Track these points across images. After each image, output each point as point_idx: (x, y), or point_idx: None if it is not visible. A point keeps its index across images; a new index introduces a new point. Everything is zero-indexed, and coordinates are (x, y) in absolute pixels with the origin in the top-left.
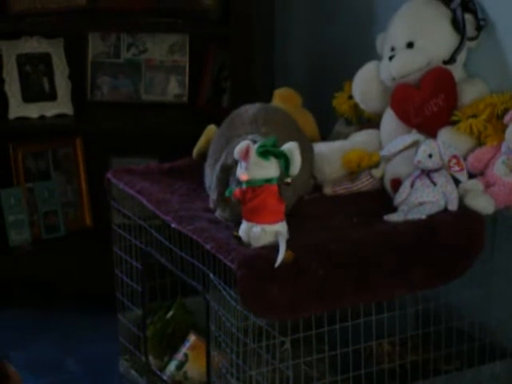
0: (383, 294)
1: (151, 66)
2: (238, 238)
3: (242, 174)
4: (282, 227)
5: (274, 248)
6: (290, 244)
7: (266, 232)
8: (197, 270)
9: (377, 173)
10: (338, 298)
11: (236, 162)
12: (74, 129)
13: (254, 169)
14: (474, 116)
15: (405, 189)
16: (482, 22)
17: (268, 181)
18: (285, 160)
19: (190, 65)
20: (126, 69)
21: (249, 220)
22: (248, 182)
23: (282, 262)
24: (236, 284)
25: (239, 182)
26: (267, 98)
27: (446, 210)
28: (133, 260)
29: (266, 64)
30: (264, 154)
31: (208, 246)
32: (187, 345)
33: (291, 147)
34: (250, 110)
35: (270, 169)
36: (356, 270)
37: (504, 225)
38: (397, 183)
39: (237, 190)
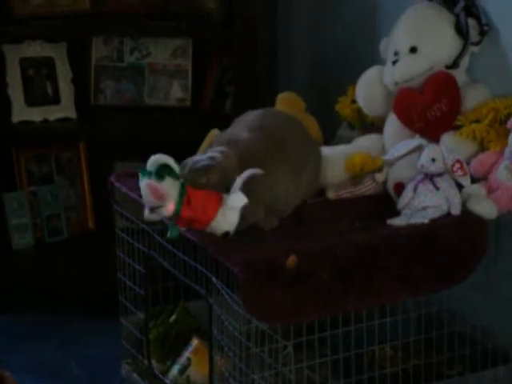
0: (386, 299)
1: (154, 70)
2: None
3: (167, 208)
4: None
5: (277, 251)
6: (293, 248)
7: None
8: (199, 274)
9: (380, 177)
10: (342, 302)
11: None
12: (77, 133)
13: (170, 193)
14: (477, 121)
15: (408, 193)
16: (485, 27)
17: (182, 192)
18: (170, 171)
19: (193, 69)
20: (129, 73)
21: (207, 223)
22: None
23: (285, 267)
24: (238, 288)
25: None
26: (270, 102)
27: (448, 214)
28: (136, 264)
29: (270, 68)
30: (160, 175)
31: (210, 250)
32: (190, 349)
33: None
34: (248, 115)
35: (174, 185)
36: (359, 274)
37: (507, 229)
38: (400, 187)
39: (182, 219)
